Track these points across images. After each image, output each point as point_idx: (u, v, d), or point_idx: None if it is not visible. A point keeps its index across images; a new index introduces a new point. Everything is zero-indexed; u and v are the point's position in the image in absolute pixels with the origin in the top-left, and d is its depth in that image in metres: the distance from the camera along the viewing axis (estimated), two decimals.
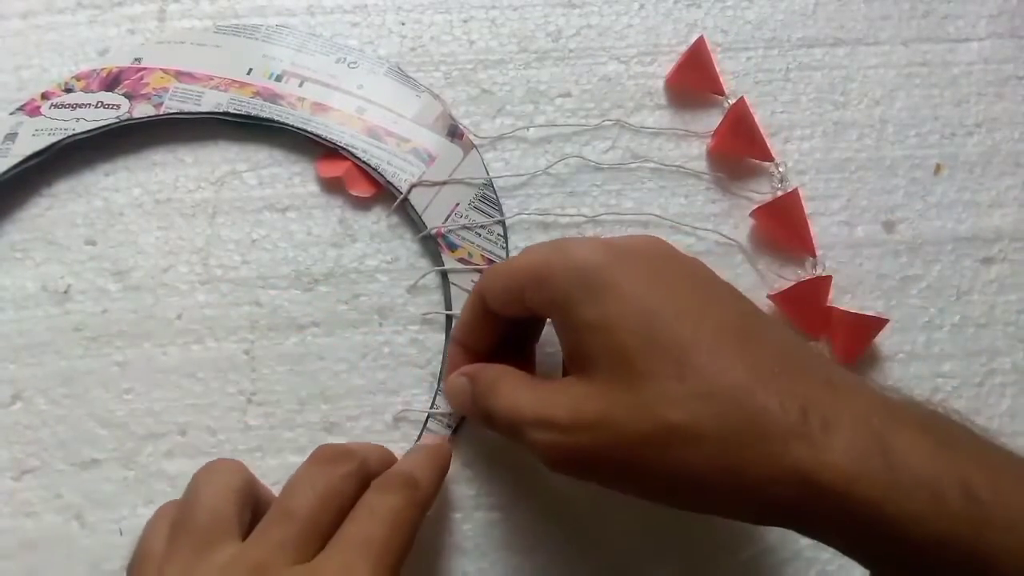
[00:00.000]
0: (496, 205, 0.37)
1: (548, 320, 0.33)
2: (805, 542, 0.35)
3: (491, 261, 0.37)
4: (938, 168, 0.40)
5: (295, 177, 0.38)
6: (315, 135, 0.37)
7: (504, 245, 0.37)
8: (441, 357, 0.36)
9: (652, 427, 0.24)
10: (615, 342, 0.25)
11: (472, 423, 0.35)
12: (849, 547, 0.24)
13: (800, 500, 0.23)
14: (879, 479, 0.22)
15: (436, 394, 0.36)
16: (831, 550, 0.35)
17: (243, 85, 0.38)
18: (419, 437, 0.35)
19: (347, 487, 0.27)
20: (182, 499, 0.27)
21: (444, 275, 0.37)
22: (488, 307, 0.31)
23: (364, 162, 0.37)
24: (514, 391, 0.29)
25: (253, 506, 0.27)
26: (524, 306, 0.29)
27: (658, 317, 0.25)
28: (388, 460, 0.31)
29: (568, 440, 0.26)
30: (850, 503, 0.22)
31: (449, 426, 0.35)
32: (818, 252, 0.38)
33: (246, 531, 0.26)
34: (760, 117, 0.39)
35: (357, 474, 0.27)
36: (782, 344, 0.26)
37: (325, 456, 0.28)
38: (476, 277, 0.36)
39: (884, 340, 0.37)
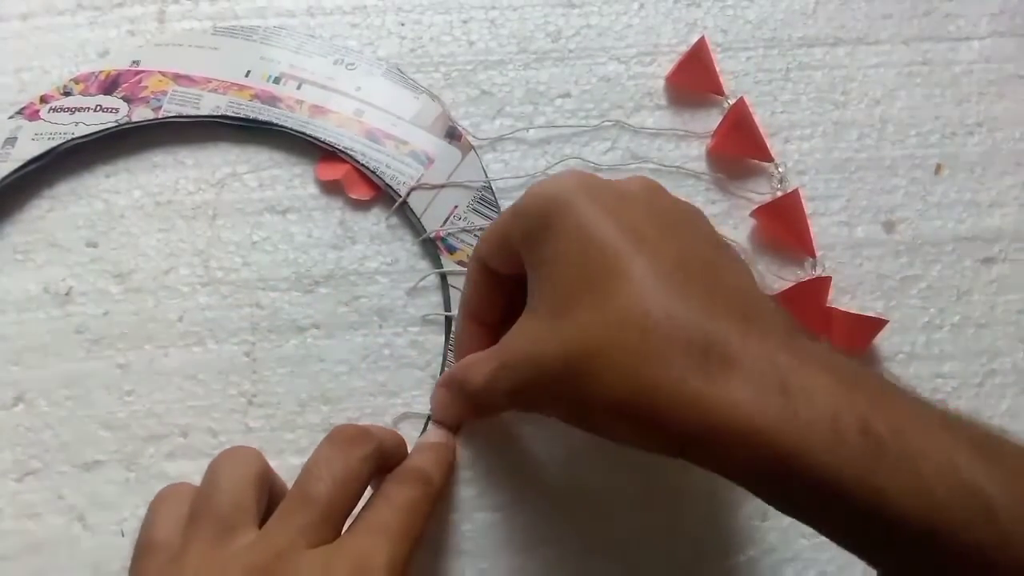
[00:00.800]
0: (495, 207, 0.37)
1: None
2: (805, 543, 0.35)
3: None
4: (938, 168, 0.39)
5: (295, 179, 0.38)
6: (314, 138, 0.37)
7: None
8: (441, 359, 0.36)
9: (568, 353, 0.25)
10: (556, 277, 0.26)
11: (471, 423, 0.35)
12: (750, 482, 0.24)
13: (701, 431, 0.23)
14: (776, 413, 0.22)
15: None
16: (831, 551, 0.36)
17: (242, 88, 0.38)
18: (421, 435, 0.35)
19: (364, 470, 0.27)
20: (202, 486, 0.27)
21: (443, 277, 0.37)
22: (489, 268, 0.31)
23: (363, 165, 0.37)
24: (482, 360, 0.29)
25: (269, 492, 0.28)
26: (516, 255, 0.29)
27: (597, 249, 0.25)
28: (401, 445, 0.31)
29: (519, 379, 0.27)
30: (747, 436, 0.22)
31: (450, 427, 0.35)
32: (818, 252, 0.38)
33: (263, 517, 0.27)
34: (760, 117, 0.39)
35: (373, 456, 0.28)
36: (712, 280, 0.26)
37: (344, 437, 0.28)
38: None
39: (884, 340, 0.37)
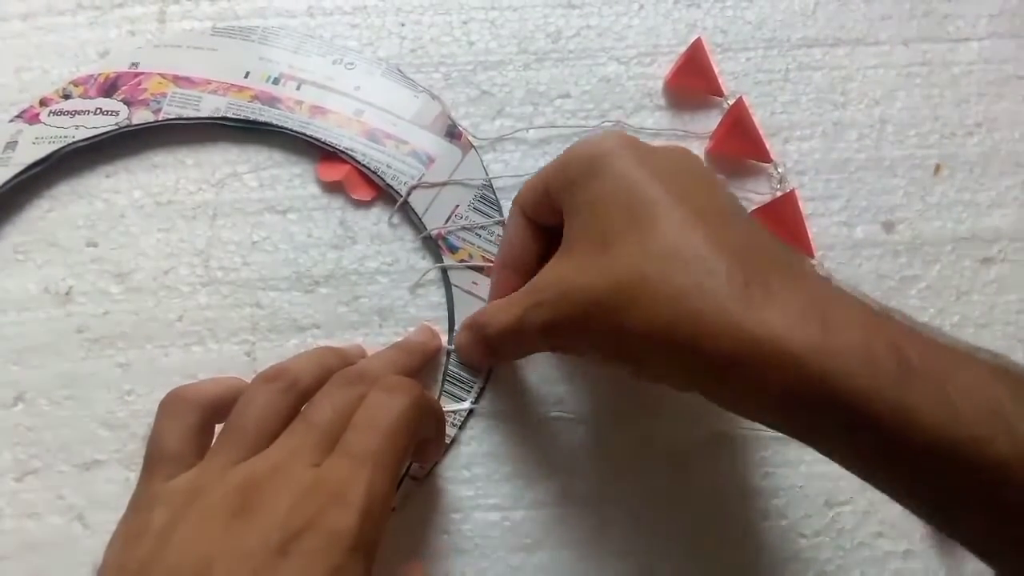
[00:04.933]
0: (496, 205, 0.37)
1: None
2: (804, 542, 0.35)
3: (492, 262, 0.37)
4: (938, 168, 0.40)
5: (296, 179, 0.38)
6: (314, 138, 0.37)
7: None
8: (444, 358, 0.36)
9: (608, 285, 0.27)
10: (598, 217, 0.28)
11: (478, 419, 0.35)
12: (778, 411, 0.25)
13: (734, 357, 0.24)
14: (813, 338, 0.23)
15: (440, 395, 0.36)
16: (830, 551, 0.36)
17: (241, 89, 0.38)
18: None
19: (360, 402, 0.28)
20: (238, 405, 0.28)
21: (445, 273, 0.37)
22: (528, 217, 0.33)
23: (364, 165, 0.37)
24: (504, 304, 0.31)
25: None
26: (553, 206, 0.31)
27: (640, 195, 0.27)
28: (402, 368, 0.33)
29: (555, 313, 0.29)
30: (784, 359, 0.23)
31: (454, 424, 0.35)
32: (817, 253, 0.38)
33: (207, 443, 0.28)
34: (759, 118, 0.39)
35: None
36: (752, 233, 0.27)
37: (345, 379, 0.29)
38: (477, 277, 0.37)
39: None
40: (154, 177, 0.38)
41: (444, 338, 0.36)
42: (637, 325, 0.26)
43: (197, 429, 0.28)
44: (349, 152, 0.37)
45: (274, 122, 0.38)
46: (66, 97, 0.38)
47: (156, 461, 0.27)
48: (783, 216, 0.37)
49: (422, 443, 0.32)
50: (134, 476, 0.35)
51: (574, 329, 0.28)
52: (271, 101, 0.38)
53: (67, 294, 0.37)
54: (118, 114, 0.38)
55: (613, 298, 0.26)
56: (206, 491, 0.25)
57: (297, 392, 0.29)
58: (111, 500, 0.35)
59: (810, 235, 0.38)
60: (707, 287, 0.25)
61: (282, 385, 0.28)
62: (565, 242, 0.30)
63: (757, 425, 0.27)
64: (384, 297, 0.37)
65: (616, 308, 0.26)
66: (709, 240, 0.26)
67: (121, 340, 0.37)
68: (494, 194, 0.38)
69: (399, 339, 0.36)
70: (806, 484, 0.36)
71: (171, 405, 0.29)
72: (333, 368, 0.30)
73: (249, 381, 0.29)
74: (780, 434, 0.26)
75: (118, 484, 0.35)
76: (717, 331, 0.24)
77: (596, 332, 0.28)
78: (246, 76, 0.38)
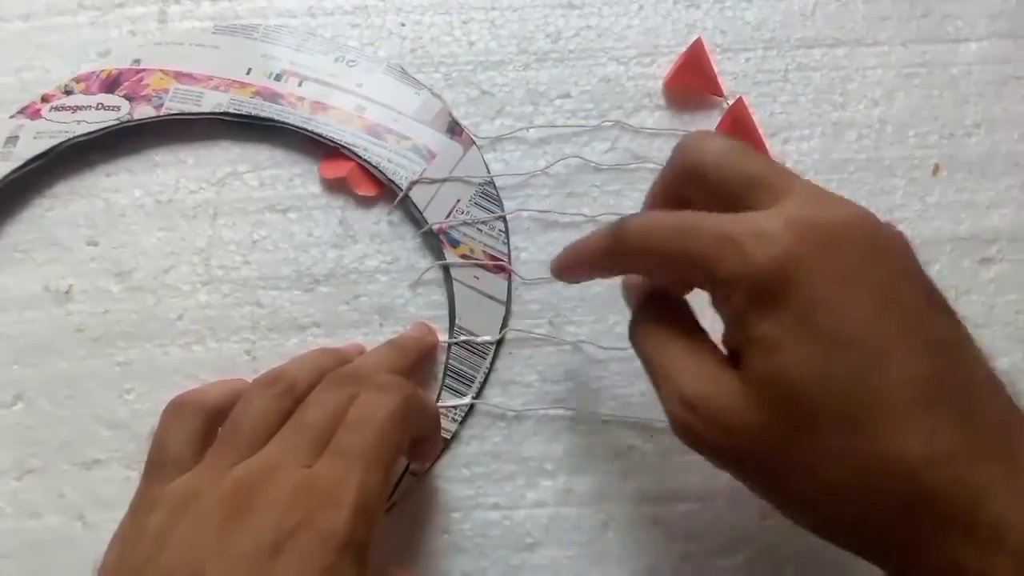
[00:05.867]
0: (497, 201, 0.38)
1: None
2: (804, 544, 0.35)
3: (494, 257, 0.37)
4: (937, 168, 0.40)
5: (296, 178, 0.38)
6: (316, 134, 0.38)
7: (506, 240, 0.37)
8: (444, 356, 0.36)
9: (801, 469, 0.23)
10: (783, 371, 0.23)
11: (468, 427, 0.36)
12: None
13: None
14: None
15: (440, 392, 0.36)
16: (832, 549, 0.35)
17: (243, 85, 0.38)
18: None
19: (352, 402, 0.28)
20: (235, 411, 0.28)
21: (447, 271, 0.37)
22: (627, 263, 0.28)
23: (366, 160, 0.37)
24: (673, 351, 0.26)
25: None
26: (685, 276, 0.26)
27: (837, 354, 0.22)
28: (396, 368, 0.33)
29: (704, 431, 0.25)
30: None
31: (455, 419, 0.35)
32: None
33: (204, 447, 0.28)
34: (759, 118, 0.39)
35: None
36: (966, 397, 0.23)
37: (338, 379, 0.29)
38: (478, 273, 0.37)
39: None
40: (155, 176, 0.38)
41: (443, 336, 0.36)
42: (834, 518, 0.24)
43: (200, 434, 0.28)
44: (351, 147, 0.38)
45: (276, 118, 0.38)
46: (68, 93, 0.38)
47: (158, 465, 0.28)
48: None
49: (418, 441, 0.32)
50: (134, 475, 0.35)
51: (730, 462, 0.25)
52: (273, 97, 0.38)
53: (67, 293, 0.37)
54: (119, 109, 0.38)
55: (811, 486, 0.23)
56: (201, 494, 0.25)
57: (294, 396, 0.29)
58: (111, 499, 0.35)
59: None
60: (933, 516, 0.22)
61: (279, 389, 0.28)
62: (741, 368, 0.24)
63: None
64: (384, 296, 0.37)
65: (810, 493, 0.24)
66: (927, 437, 0.22)
67: (121, 339, 0.37)
68: (495, 189, 0.38)
69: None
70: None
71: (175, 410, 0.29)
72: (330, 370, 0.30)
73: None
74: None
75: (118, 483, 0.35)
76: (943, 569, 0.22)
77: (762, 483, 0.25)
78: (248, 73, 0.38)
